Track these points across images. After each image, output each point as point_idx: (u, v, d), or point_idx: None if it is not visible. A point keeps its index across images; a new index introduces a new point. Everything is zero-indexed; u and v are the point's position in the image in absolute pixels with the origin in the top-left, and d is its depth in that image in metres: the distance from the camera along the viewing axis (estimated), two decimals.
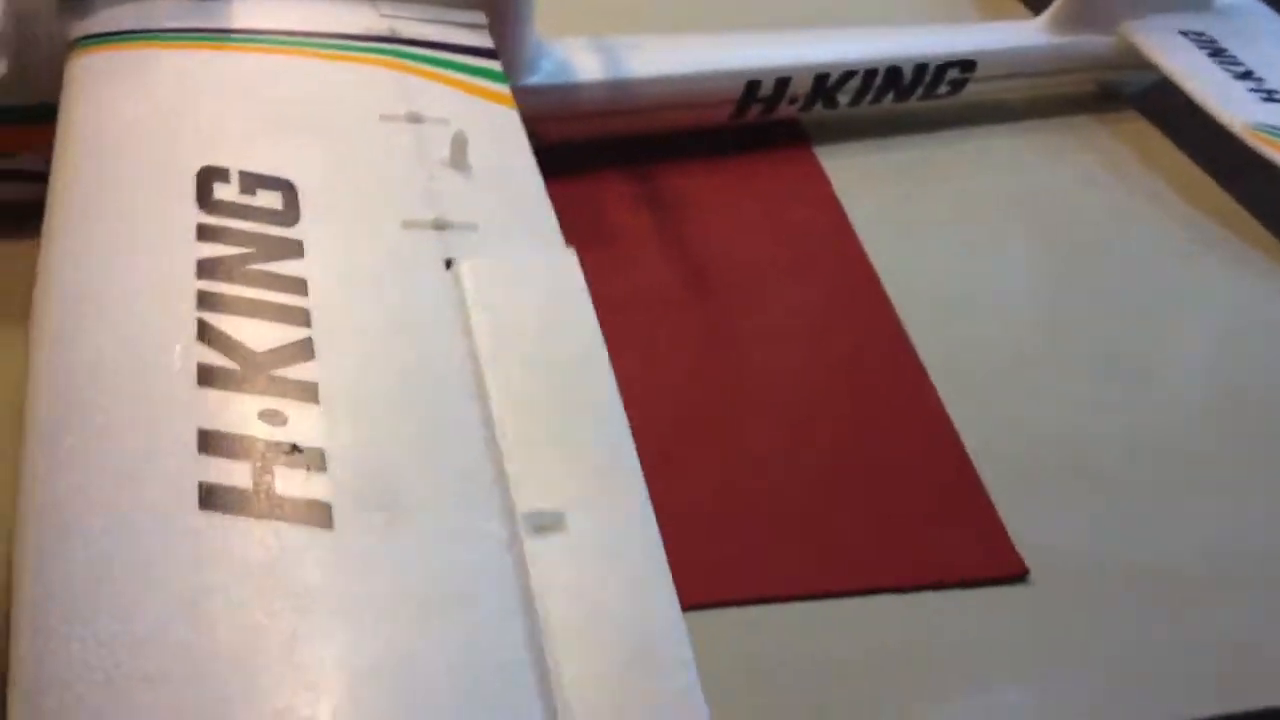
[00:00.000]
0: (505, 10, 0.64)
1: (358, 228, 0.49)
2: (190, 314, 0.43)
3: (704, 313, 0.62)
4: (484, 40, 0.62)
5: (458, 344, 0.45)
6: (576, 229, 0.65)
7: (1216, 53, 0.74)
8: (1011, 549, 0.52)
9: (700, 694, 0.34)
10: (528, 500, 0.39)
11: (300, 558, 0.36)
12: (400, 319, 0.46)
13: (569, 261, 0.47)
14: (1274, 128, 0.68)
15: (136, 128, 0.51)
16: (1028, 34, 0.76)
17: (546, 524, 0.39)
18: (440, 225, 0.49)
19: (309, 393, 0.41)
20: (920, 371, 0.59)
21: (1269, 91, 0.71)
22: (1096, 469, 0.56)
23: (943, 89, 0.75)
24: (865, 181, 0.72)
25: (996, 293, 0.66)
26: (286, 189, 0.49)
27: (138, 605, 0.34)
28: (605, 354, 0.44)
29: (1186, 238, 0.71)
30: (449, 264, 0.48)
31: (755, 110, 0.72)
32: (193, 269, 0.45)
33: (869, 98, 0.74)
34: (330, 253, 0.47)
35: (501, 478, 0.40)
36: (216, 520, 0.37)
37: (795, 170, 0.72)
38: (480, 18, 0.63)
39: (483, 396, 0.42)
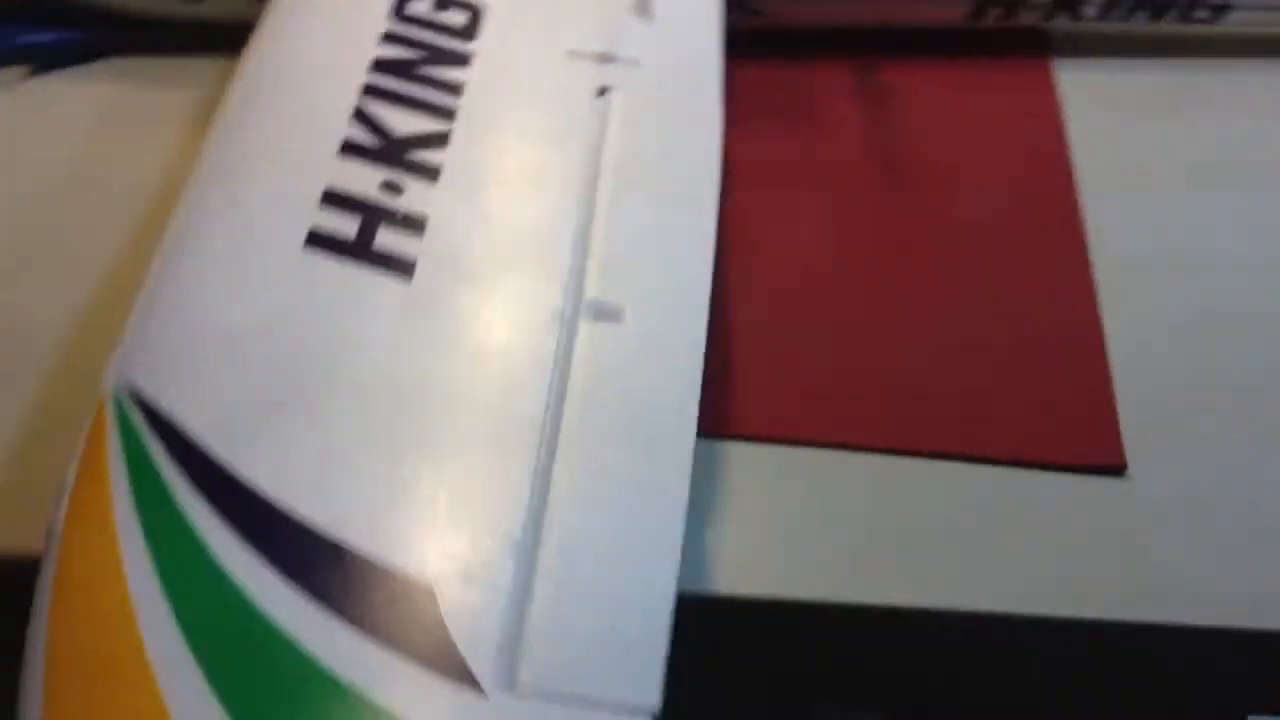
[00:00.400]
0: None
1: (526, 50, 0.53)
2: (352, 98, 0.48)
3: (883, 201, 0.63)
4: None
5: (582, 158, 0.48)
6: (781, 110, 0.68)
7: None
8: (1117, 443, 0.51)
9: (685, 490, 0.36)
10: (596, 290, 0.42)
11: (372, 298, 0.41)
12: (536, 127, 0.49)
13: (713, 109, 0.49)
14: None
15: None
16: None
17: (604, 313, 0.42)
18: (605, 59, 0.53)
19: (432, 174, 0.45)
20: (1089, 290, 0.58)
21: None
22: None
23: (1201, 13, 0.71)
24: (1101, 104, 0.70)
25: (1215, 247, 0.63)
26: (474, 10, 0.54)
27: (229, 310, 0.40)
28: (716, 194, 0.46)
29: None
30: (602, 91, 0.51)
31: (994, 13, 0.71)
32: (367, 64, 0.50)
33: (1118, 13, 0.71)
34: (494, 67, 0.52)
35: (579, 270, 0.43)
36: (313, 258, 0.42)
37: (1024, 81, 0.71)
38: None
39: (588, 203, 0.46)
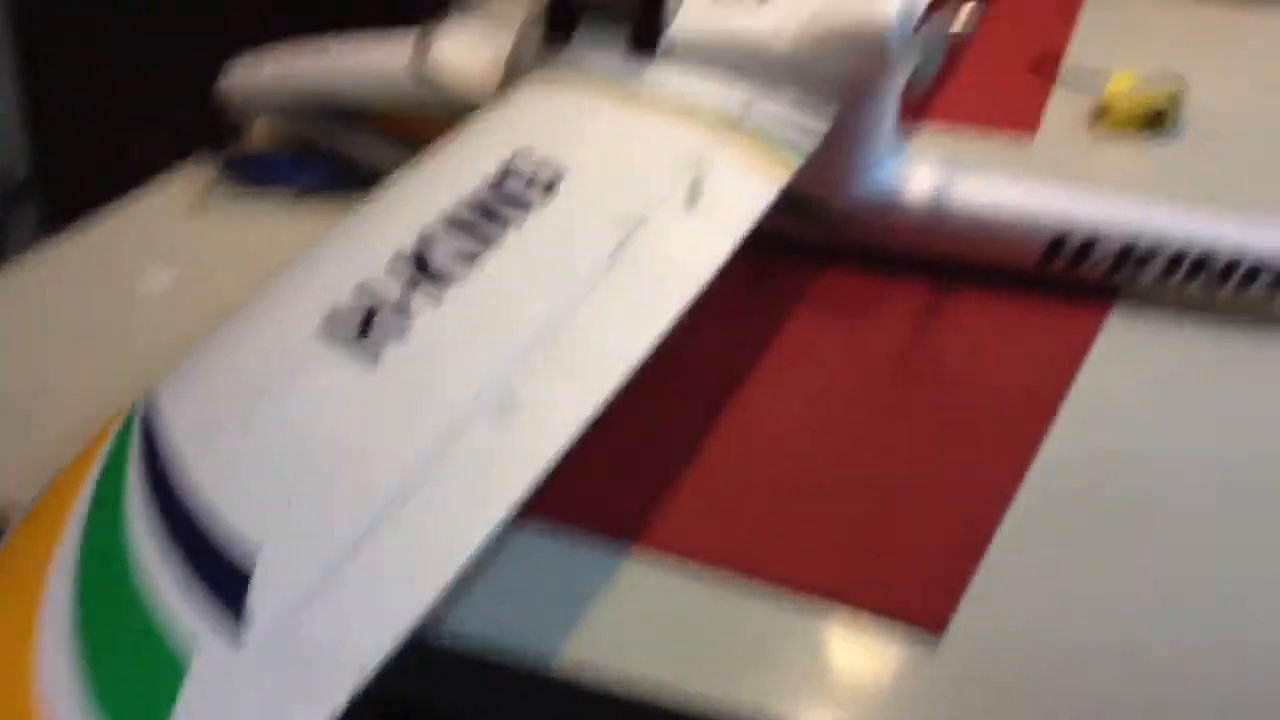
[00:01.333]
0: (858, 125, 0.80)
1: (580, 209, 0.68)
2: (429, 219, 0.65)
3: (885, 390, 0.74)
4: (802, 133, 0.78)
5: (562, 295, 0.63)
6: (841, 307, 0.80)
7: None
8: (945, 611, 0.59)
9: (461, 560, 0.50)
10: (511, 388, 0.57)
11: (330, 373, 0.57)
12: (547, 265, 0.64)
13: (681, 297, 0.63)
14: None
15: (487, 131, 0.74)
16: None
17: (507, 408, 0.56)
18: (637, 228, 0.67)
19: (437, 300, 0.61)
20: (1004, 500, 0.66)
21: None
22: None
23: (1257, 289, 0.78)
24: (1133, 360, 0.76)
25: (1152, 492, 0.66)
26: (556, 175, 0.69)
27: (235, 351, 0.57)
28: (666, 323, 0.61)
29: None
30: (616, 250, 0.65)
31: (1059, 264, 0.80)
32: (458, 198, 0.66)
33: (1176, 279, 0.79)
34: (545, 217, 0.67)
35: (502, 379, 0.57)
36: (314, 341, 0.58)
37: (1070, 324, 0.79)
38: (824, 121, 0.80)
39: (550, 328, 0.60)
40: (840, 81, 0.80)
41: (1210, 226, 0.78)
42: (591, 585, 0.61)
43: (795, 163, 0.76)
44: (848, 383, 0.75)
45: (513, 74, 0.86)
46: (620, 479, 0.67)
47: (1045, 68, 1.14)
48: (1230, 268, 0.78)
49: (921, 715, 0.56)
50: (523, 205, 0.67)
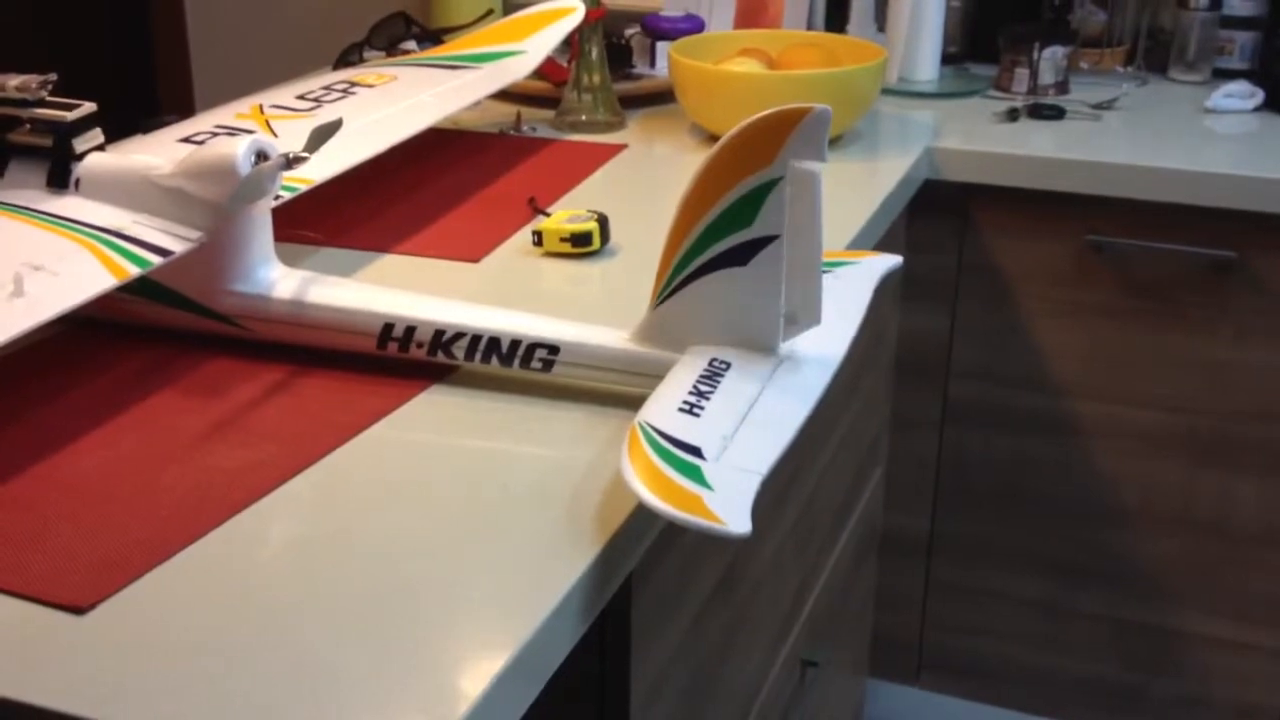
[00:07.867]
0: (232, 239, 0.98)
1: None
2: None
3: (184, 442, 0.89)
4: (171, 244, 0.96)
5: None
6: (210, 389, 0.95)
7: (710, 376, 0.87)
8: (93, 593, 0.73)
9: None
10: None
11: None
12: None
13: None
14: (653, 428, 0.81)
15: None
16: (611, 337, 0.94)
17: None
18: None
19: None
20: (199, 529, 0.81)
21: (690, 406, 0.83)
22: None
23: (535, 364, 0.94)
24: (422, 421, 0.93)
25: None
26: None
27: None
28: None
29: None
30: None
31: (393, 347, 0.97)
32: None
33: (478, 357, 0.95)
34: None
35: None
36: None
37: (390, 393, 0.96)
38: (196, 236, 0.97)
39: None
40: (205, 204, 0.98)
41: (494, 317, 0.96)
42: None
43: (137, 270, 0.93)
44: (172, 439, 0.90)
45: None
46: None
47: (526, 212, 1.32)
48: (514, 346, 0.95)
49: (60, 676, 0.68)
50: None
